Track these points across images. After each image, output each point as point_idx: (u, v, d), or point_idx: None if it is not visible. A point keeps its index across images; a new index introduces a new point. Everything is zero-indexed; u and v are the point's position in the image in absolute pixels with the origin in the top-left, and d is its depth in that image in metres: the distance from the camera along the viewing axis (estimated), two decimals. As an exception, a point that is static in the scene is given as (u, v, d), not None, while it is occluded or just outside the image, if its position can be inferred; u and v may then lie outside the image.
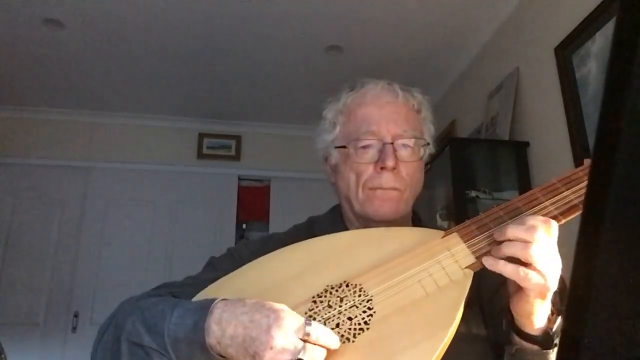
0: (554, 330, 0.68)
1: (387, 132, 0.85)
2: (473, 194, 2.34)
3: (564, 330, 0.27)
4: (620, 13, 0.25)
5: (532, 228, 0.63)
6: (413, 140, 0.87)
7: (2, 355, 1.94)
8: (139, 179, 3.78)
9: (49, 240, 3.55)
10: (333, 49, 2.99)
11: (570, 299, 0.27)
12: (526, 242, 0.63)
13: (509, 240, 0.64)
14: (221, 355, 0.65)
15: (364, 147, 0.85)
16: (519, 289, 0.66)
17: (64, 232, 3.59)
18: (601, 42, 1.91)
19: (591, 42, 1.96)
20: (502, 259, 0.65)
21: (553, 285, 0.64)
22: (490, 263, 0.65)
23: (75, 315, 3.40)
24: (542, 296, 0.65)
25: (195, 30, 2.81)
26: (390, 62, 3.08)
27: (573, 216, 0.67)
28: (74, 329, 3.37)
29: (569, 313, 0.27)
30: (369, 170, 0.85)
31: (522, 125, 2.40)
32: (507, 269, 0.64)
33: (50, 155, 3.70)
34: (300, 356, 0.60)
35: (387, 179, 0.84)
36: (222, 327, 0.64)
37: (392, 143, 0.84)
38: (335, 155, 0.91)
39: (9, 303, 3.34)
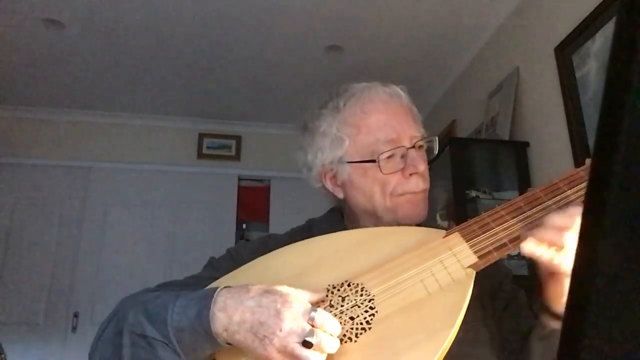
0: None
1: (405, 136, 0.84)
2: (473, 194, 2.34)
3: (564, 329, 0.27)
4: (620, 13, 0.25)
5: (571, 218, 0.65)
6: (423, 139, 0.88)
7: (2, 355, 1.94)
8: (139, 179, 3.77)
9: (49, 240, 3.54)
10: (333, 49, 2.99)
11: (571, 297, 0.27)
12: (562, 229, 0.64)
13: (548, 227, 0.65)
14: (227, 343, 0.65)
15: (388, 157, 0.83)
16: (552, 273, 0.68)
17: (64, 232, 3.58)
18: (601, 42, 1.90)
19: (591, 42, 1.96)
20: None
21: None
22: (530, 248, 0.65)
23: (75, 315, 3.40)
24: (568, 276, 0.66)
25: (195, 30, 2.81)
26: (390, 62, 3.08)
27: None
28: (74, 329, 3.37)
29: (569, 312, 0.27)
30: (395, 178, 0.83)
31: (522, 125, 2.40)
32: (545, 255, 0.65)
33: (50, 155, 3.70)
34: (308, 339, 0.60)
35: (417, 183, 0.84)
36: (228, 314, 0.64)
37: (413, 146, 0.84)
38: (347, 171, 0.86)
39: (9, 303, 3.34)
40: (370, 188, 0.84)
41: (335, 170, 0.88)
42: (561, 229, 0.64)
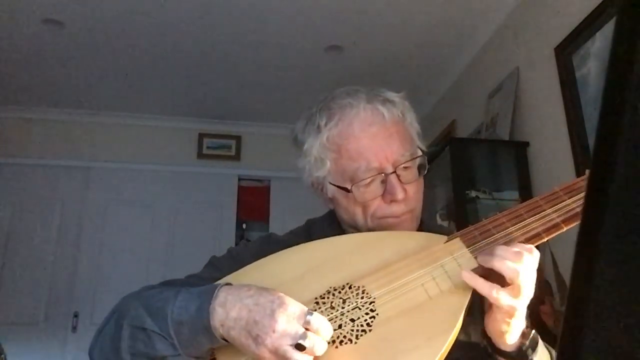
0: (527, 344, 0.69)
1: (386, 161, 0.81)
2: (473, 194, 2.34)
3: (564, 330, 0.27)
4: (620, 13, 0.25)
5: (520, 253, 0.65)
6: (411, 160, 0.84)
7: (2, 355, 1.94)
8: (139, 179, 3.77)
9: (49, 240, 3.54)
10: (333, 49, 2.99)
11: (570, 299, 0.27)
12: (515, 263, 0.64)
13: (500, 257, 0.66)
14: (223, 339, 0.66)
15: (367, 183, 0.81)
16: (490, 307, 0.67)
17: (64, 232, 3.58)
18: (601, 42, 1.90)
19: (591, 42, 1.96)
20: (482, 275, 0.66)
21: (522, 308, 0.66)
22: (468, 277, 0.66)
23: (75, 315, 3.40)
24: (510, 316, 0.66)
25: (195, 30, 2.81)
26: (390, 62, 3.08)
27: (575, 224, 0.68)
28: (74, 329, 3.37)
29: (569, 313, 0.27)
30: (376, 202, 0.82)
31: (522, 125, 2.40)
32: (484, 287, 0.65)
33: (50, 155, 3.70)
34: (300, 342, 0.61)
35: (398, 208, 0.82)
36: (226, 310, 0.65)
37: (394, 171, 0.81)
38: (331, 190, 0.86)
39: (9, 303, 3.33)
40: (352, 209, 0.84)
41: (322, 185, 0.88)
42: (515, 264, 0.64)
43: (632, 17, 0.25)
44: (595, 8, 1.91)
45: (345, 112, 0.83)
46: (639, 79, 0.24)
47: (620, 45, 0.25)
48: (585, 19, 1.96)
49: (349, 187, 0.82)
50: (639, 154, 0.24)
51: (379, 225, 0.83)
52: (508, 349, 0.69)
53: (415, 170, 0.85)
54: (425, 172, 0.87)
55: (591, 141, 1.91)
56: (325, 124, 0.84)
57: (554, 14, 2.21)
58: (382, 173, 0.81)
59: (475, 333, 0.77)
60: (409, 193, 0.82)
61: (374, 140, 0.81)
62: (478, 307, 0.80)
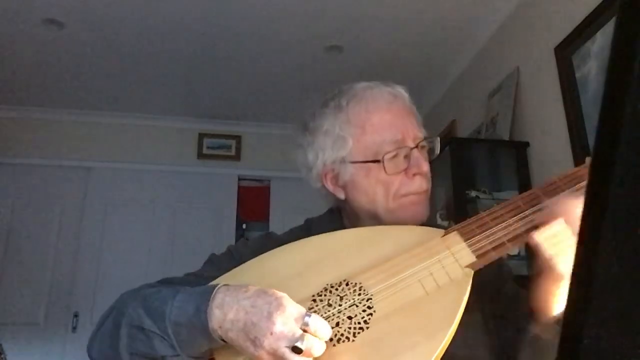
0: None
1: (409, 136, 0.84)
2: (473, 194, 2.34)
3: (564, 329, 0.27)
4: (620, 13, 0.25)
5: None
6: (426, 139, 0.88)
7: (2, 355, 1.94)
8: (139, 179, 3.77)
9: (49, 240, 3.54)
10: (333, 49, 2.99)
11: (571, 297, 0.27)
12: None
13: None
14: (222, 340, 0.66)
15: (392, 157, 0.83)
16: (544, 270, 0.68)
17: (64, 232, 3.58)
18: (601, 42, 1.90)
19: (591, 42, 1.96)
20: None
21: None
22: (538, 238, 0.67)
23: (75, 315, 3.40)
24: (562, 277, 0.66)
25: (195, 30, 2.81)
26: (390, 62, 3.08)
27: None
28: (74, 329, 3.37)
29: (569, 312, 0.27)
30: (399, 179, 0.83)
31: (522, 125, 2.40)
32: (543, 245, 0.67)
33: (50, 155, 3.70)
34: (297, 344, 0.60)
35: (420, 183, 0.84)
36: (223, 311, 0.64)
37: (416, 146, 0.84)
38: (349, 172, 0.85)
39: (9, 303, 3.33)
40: (373, 189, 0.83)
41: (337, 170, 0.87)
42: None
43: (632, 17, 0.25)
44: (595, 8, 1.90)
45: (367, 92, 0.87)
46: (639, 79, 0.24)
47: (620, 45, 0.25)
48: (585, 19, 1.96)
49: (380, 159, 0.82)
50: (639, 154, 0.24)
51: (400, 205, 0.83)
52: (551, 320, 0.70)
53: (427, 153, 0.88)
54: (437, 154, 0.89)
55: (591, 141, 1.90)
56: (347, 103, 0.87)
57: (554, 14, 2.21)
58: (406, 147, 0.83)
59: (474, 329, 0.76)
60: (427, 171, 0.85)
61: (398, 116, 0.85)
62: (477, 305, 0.80)
